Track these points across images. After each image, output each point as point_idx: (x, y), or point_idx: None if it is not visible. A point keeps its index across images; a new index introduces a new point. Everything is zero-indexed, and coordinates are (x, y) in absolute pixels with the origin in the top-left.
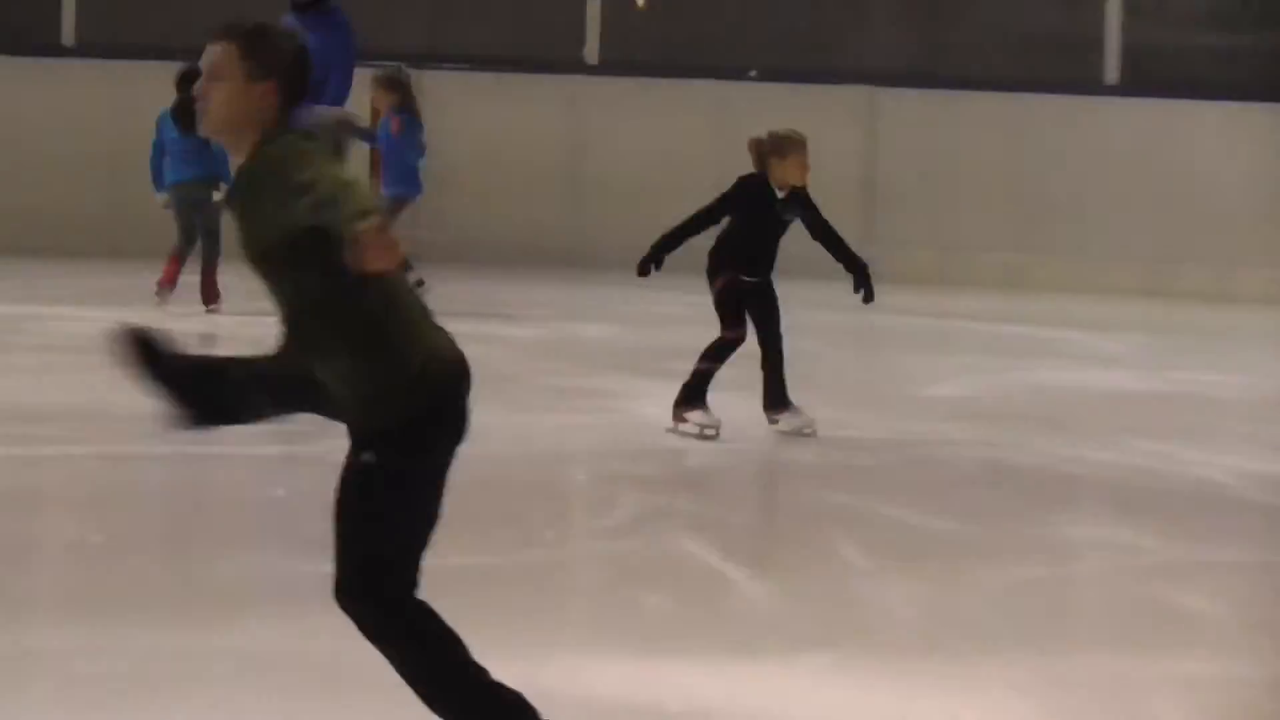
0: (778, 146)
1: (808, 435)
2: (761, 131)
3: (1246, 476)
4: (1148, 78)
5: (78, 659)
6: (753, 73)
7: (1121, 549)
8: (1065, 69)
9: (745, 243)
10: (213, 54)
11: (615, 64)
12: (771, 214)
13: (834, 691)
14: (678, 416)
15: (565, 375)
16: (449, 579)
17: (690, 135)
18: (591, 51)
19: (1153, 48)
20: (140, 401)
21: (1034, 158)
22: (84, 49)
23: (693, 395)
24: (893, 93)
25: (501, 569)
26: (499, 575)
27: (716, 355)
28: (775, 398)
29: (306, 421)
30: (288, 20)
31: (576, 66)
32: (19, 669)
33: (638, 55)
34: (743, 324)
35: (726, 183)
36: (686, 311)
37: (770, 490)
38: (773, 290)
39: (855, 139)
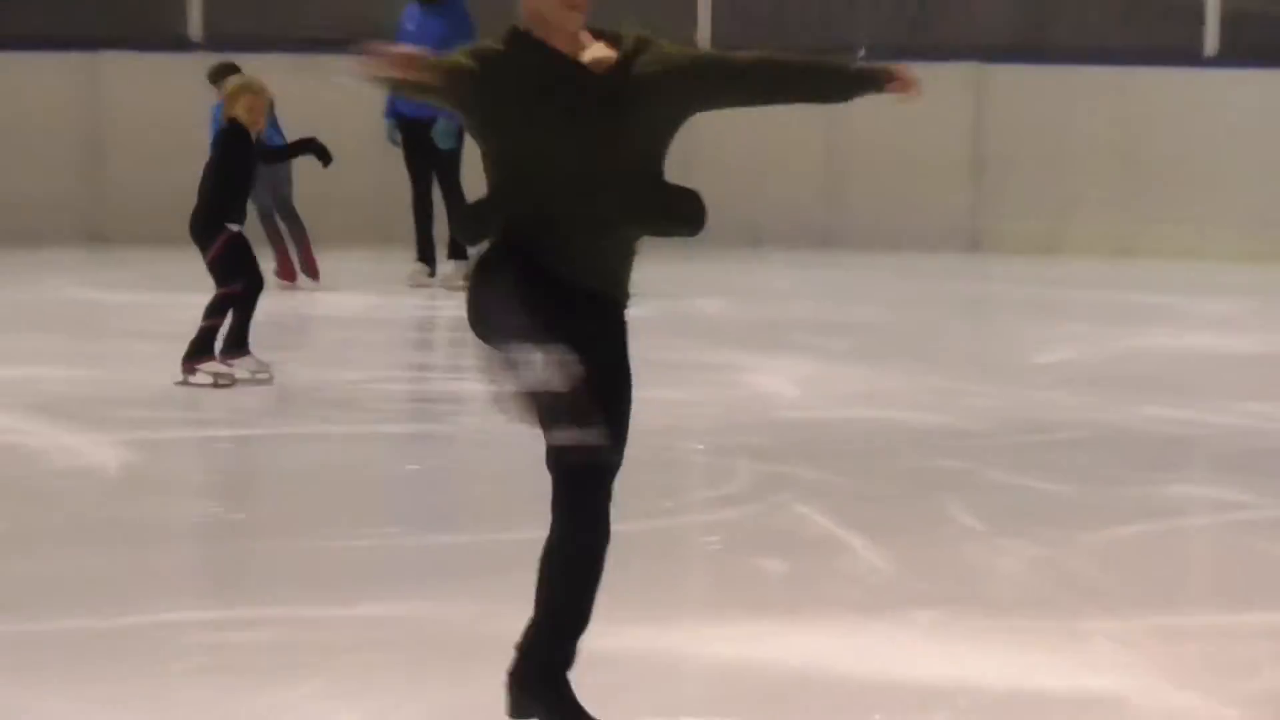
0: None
1: (263, 381)
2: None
3: None
4: (1248, 47)
5: (224, 630)
6: (862, 51)
7: (1227, 506)
8: (1167, 37)
9: (241, 194)
10: None
11: (725, 43)
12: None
13: (950, 648)
14: (188, 369)
15: (679, 350)
16: None
17: (798, 115)
18: (703, 35)
19: (1254, 16)
20: (265, 386)
21: (1139, 128)
22: (212, 42)
23: (203, 348)
24: (1002, 68)
25: (622, 536)
26: (621, 543)
27: (220, 311)
28: (239, 339)
29: (437, 398)
30: (410, 10)
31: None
32: (165, 640)
33: (742, 36)
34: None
35: (837, 167)
36: (795, 285)
37: (883, 458)
38: None
39: (965, 115)
